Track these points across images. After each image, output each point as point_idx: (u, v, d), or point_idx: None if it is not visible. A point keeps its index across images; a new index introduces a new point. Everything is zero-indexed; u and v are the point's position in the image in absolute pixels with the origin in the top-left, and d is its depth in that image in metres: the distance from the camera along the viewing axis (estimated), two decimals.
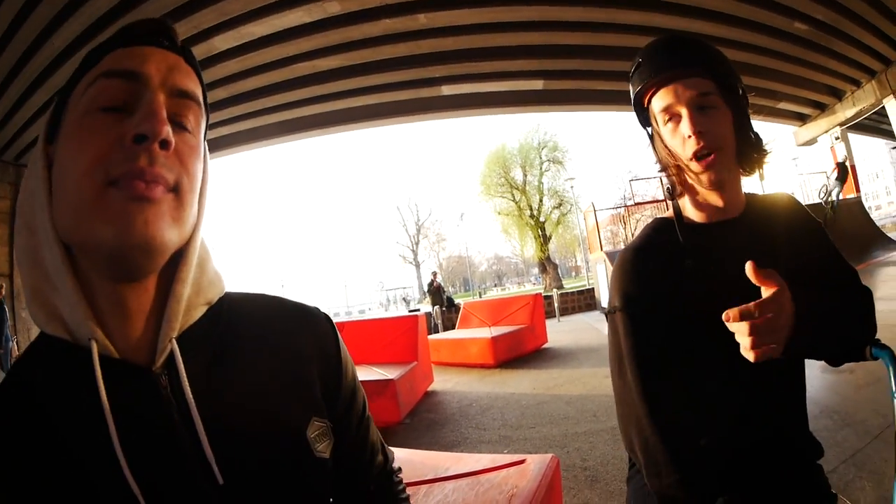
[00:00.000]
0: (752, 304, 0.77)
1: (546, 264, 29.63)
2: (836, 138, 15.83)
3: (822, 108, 15.89)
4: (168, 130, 0.52)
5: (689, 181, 1.00)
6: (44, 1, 6.96)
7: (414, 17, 9.09)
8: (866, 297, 1.00)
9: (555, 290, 15.10)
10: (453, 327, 10.48)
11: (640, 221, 18.35)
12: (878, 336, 0.96)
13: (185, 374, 0.54)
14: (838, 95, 14.94)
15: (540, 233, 29.85)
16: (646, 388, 0.94)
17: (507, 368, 6.54)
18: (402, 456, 1.69)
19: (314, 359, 0.67)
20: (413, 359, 5.37)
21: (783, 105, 15.46)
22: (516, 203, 30.52)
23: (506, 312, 8.18)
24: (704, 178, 0.96)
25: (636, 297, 0.98)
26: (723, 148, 0.95)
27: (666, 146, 1.01)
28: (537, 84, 12.50)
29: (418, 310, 13.53)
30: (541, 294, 8.67)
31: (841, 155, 15.48)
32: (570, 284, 30.41)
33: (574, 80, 12.54)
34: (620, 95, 12.54)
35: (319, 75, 10.79)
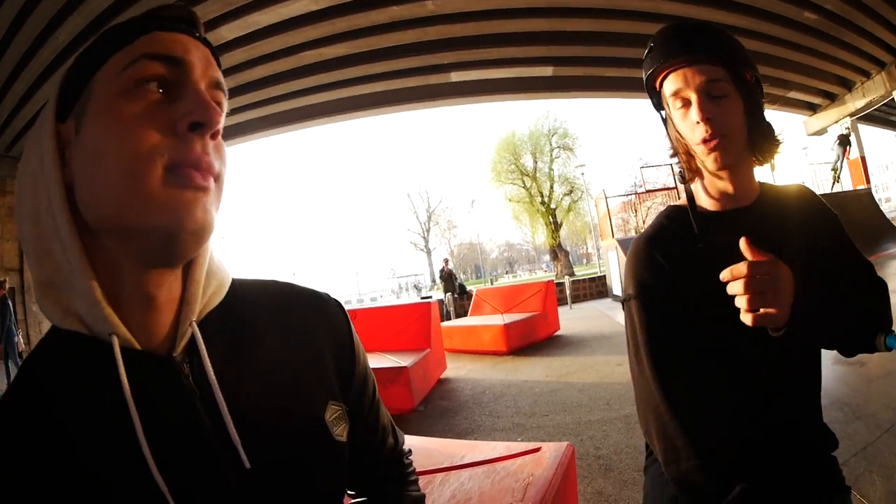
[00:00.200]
0: (743, 263, 0.79)
1: (557, 251, 29.58)
2: (847, 128, 15.73)
3: (832, 99, 15.81)
4: (222, 120, 0.53)
5: (699, 166, 1.00)
6: None
7: (422, 4, 9.04)
8: (881, 287, 1.00)
9: (566, 277, 15.07)
10: (465, 314, 10.50)
11: (651, 209, 18.26)
12: (892, 328, 0.95)
13: (207, 358, 0.54)
14: (848, 86, 14.86)
15: (551, 220, 29.79)
16: (662, 375, 0.94)
17: (520, 356, 6.54)
18: (417, 444, 1.68)
19: (327, 344, 0.68)
20: (426, 346, 5.38)
21: (793, 94, 15.37)
22: (527, 190, 30.45)
23: (518, 299, 8.17)
24: (710, 162, 0.96)
25: (650, 285, 0.99)
26: (729, 135, 0.95)
27: (676, 130, 1.01)
28: (547, 70, 12.42)
29: (430, 297, 13.54)
30: (553, 281, 8.65)
31: (853, 149, 15.52)
32: (582, 272, 30.35)
33: (584, 66, 12.47)
34: (631, 82, 12.44)
35: (326, 63, 10.79)
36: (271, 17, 8.66)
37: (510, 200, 30.98)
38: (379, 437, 0.76)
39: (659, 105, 1.07)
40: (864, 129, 17.47)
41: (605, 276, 14.63)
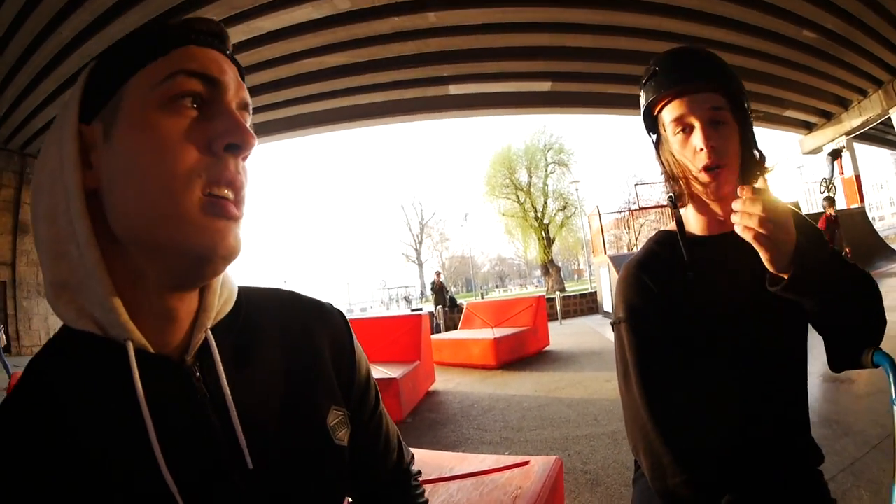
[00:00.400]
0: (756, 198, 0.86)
1: (549, 267, 29.59)
2: (842, 147, 15.91)
3: (828, 117, 15.97)
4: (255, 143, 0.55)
5: (695, 191, 1.02)
6: None
7: (423, 16, 9.11)
8: (876, 291, 0.99)
9: (557, 292, 15.10)
10: (455, 327, 10.47)
11: (645, 226, 18.38)
12: (880, 346, 0.97)
13: (220, 362, 0.56)
14: (844, 105, 15.03)
15: (543, 235, 29.82)
16: (650, 395, 0.97)
17: (509, 370, 6.52)
18: None
19: (329, 350, 0.69)
20: (416, 358, 5.36)
21: (790, 113, 15.55)
22: (521, 204, 30.51)
23: (509, 314, 8.17)
24: (711, 190, 0.99)
25: (640, 309, 1.02)
26: (729, 164, 0.98)
27: (674, 155, 1.03)
28: (545, 86, 12.52)
29: (420, 309, 13.52)
30: (543, 296, 8.67)
31: (847, 167, 15.62)
32: (573, 287, 30.41)
33: (582, 82, 12.57)
34: (628, 99, 12.55)
35: (326, 72, 10.84)
36: (274, 22, 8.71)
37: (503, 215, 31.00)
38: (381, 445, 0.76)
39: (652, 128, 1.10)
40: (859, 147, 17.62)
41: (596, 292, 14.68)
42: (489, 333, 7.13)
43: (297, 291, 0.74)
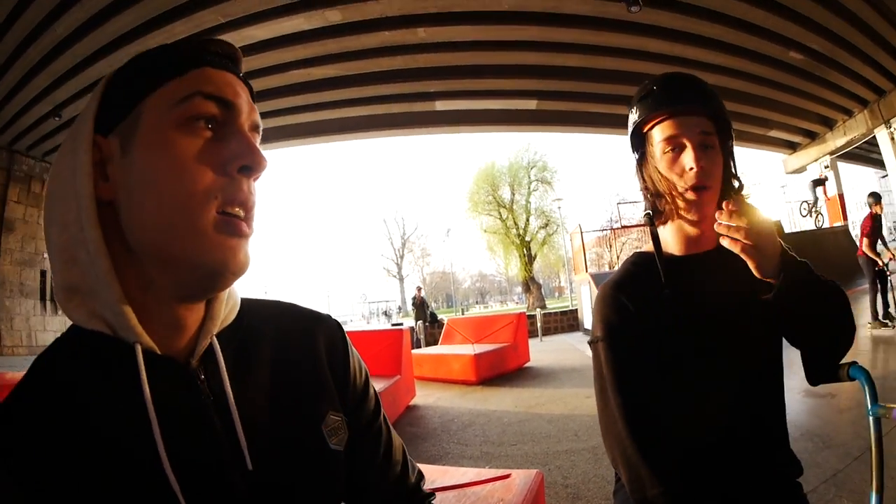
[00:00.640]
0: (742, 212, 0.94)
1: (530, 284, 29.72)
2: (826, 167, 16.13)
3: (812, 137, 16.20)
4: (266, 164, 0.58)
5: (678, 209, 1.06)
6: None
7: (413, 31, 9.19)
8: (844, 294, 1.06)
9: (538, 309, 15.15)
10: (435, 342, 10.43)
11: (626, 244, 18.57)
12: (860, 359, 1.04)
13: (224, 366, 0.58)
14: (829, 125, 15.25)
15: (525, 252, 30.00)
16: (627, 410, 1.00)
17: (489, 386, 6.51)
18: None
19: (326, 357, 0.71)
20: (396, 372, 5.33)
21: (774, 133, 15.80)
22: (503, 221, 30.68)
23: (489, 330, 8.17)
24: (694, 209, 1.03)
25: (617, 327, 1.05)
26: (713, 186, 1.03)
27: (660, 172, 1.06)
28: (531, 104, 12.65)
29: (401, 324, 13.48)
30: (524, 313, 8.69)
31: (831, 186, 15.97)
32: (553, 305, 30.53)
33: (567, 101, 12.71)
34: (612, 119, 12.71)
35: (315, 83, 10.85)
36: (266, 32, 8.71)
37: (486, 231, 31.14)
38: (381, 455, 0.75)
39: (638, 145, 1.13)
40: (843, 166, 17.81)
41: (576, 309, 14.75)
42: (470, 349, 7.11)
43: (296, 303, 0.77)
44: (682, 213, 1.05)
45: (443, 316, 15.59)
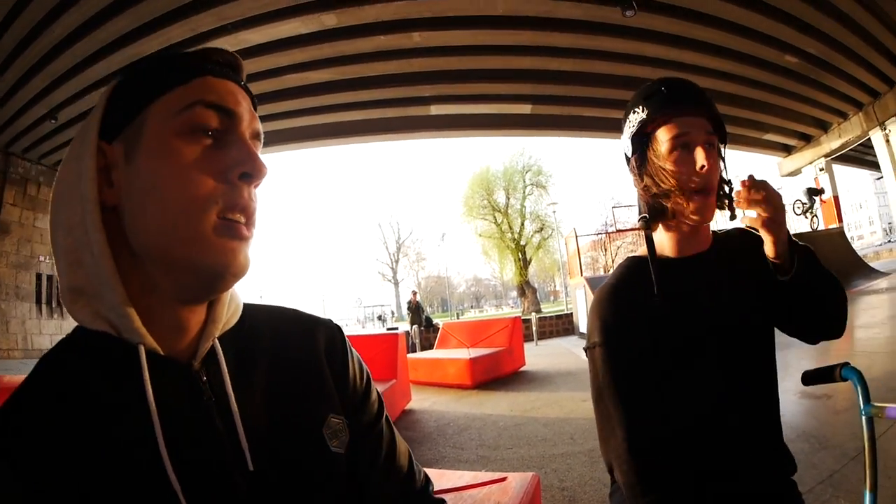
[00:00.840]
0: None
1: (525, 288, 29.71)
2: (821, 169, 16.16)
3: (807, 140, 16.20)
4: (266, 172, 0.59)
5: (678, 209, 1.06)
6: None
7: (408, 35, 9.18)
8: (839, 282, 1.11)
9: (533, 313, 15.15)
10: (431, 347, 10.43)
11: (622, 248, 18.62)
12: (855, 361, 1.07)
13: (226, 368, 0.59)
14: (824, 127, 15.26)
15: (520, 256, 29.99)
16: (622, 418, 1.01)
17: (485, 390, 6.52)
18: None
19: (326, 359, 0.72)
20: (392, 376, 5.35)
21: (769, 136, 15.82)
22: (498, 225, 30.68)
23: (485, 334, 8.18)
24: (697, 213, 1.04)
25: (613, 333, 1.06)
26: (715, 189, 1.05)
27: (666, 172, 1.06)
28: (525, 108, 12.65)
29: (396, 328, 13.47)
30: (520, 317, 8.71)
31: (828, 189, 16.05)
32: (549, 309, 30.54)
33: (562, 105, 12.70)
34: (607, 123, 12.70)
35: (310, 87, 10.81)
36: (262, 36, 8.68)
37: (481, 235, 31.10)
38: (383, 458, 0.73)
39: (639, 146, 1.11)
40: (837, 168, 17.86)
41: (571, 313, 14.76)
42: (465, 353, 7.13)
43: (298, 308, 0.78)
44: (687, 211, 1.05)
45: (438, 320, 15.59)
